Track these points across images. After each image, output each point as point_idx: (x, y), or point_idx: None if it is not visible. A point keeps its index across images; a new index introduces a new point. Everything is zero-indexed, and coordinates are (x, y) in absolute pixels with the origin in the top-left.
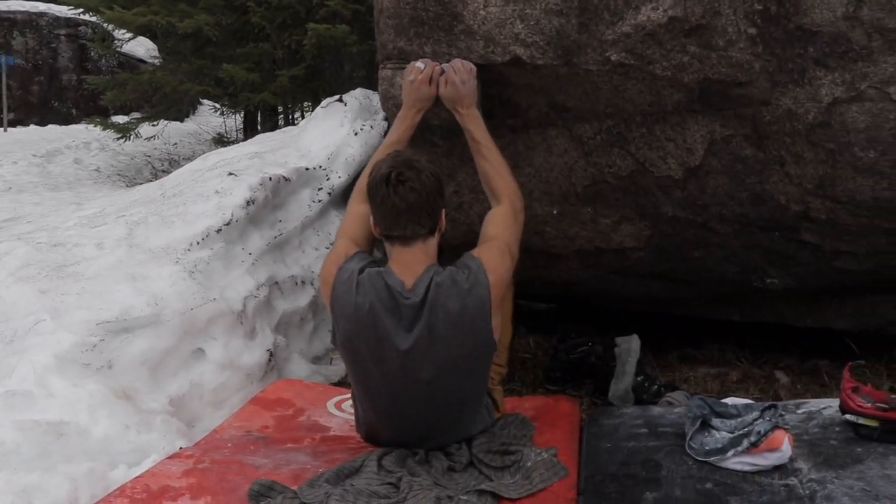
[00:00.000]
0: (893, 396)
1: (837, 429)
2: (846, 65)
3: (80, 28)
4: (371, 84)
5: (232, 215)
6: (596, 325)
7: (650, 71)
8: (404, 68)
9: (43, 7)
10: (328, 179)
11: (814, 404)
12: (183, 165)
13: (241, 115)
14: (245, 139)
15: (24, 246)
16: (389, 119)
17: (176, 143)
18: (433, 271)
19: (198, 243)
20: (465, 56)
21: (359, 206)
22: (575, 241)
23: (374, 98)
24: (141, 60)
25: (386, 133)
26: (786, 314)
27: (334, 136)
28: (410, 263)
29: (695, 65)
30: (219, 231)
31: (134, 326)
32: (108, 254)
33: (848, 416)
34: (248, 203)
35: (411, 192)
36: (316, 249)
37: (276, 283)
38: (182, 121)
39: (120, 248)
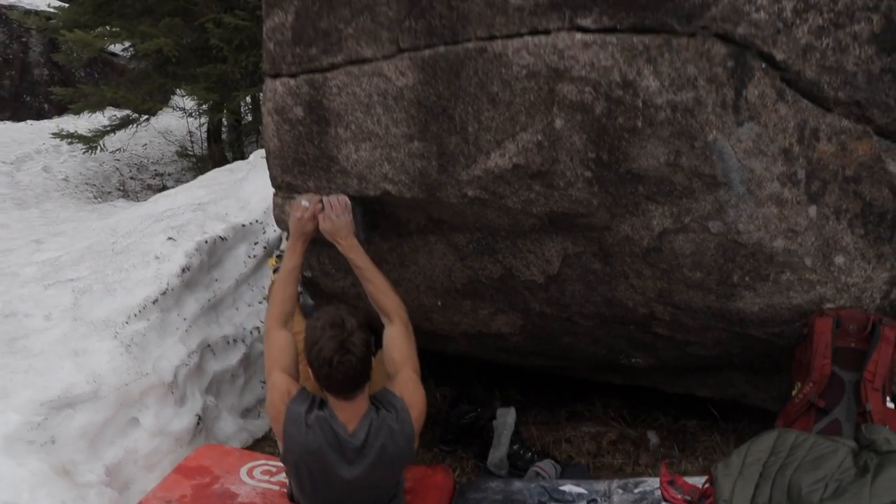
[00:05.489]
0: (698, 488)
1: None
2: (673, 201)
3: (51, 21)
4: None
5: (168, 284)
6: (488, 388)
7: (504, 203)
8: (293, 198)
9: None
10: (264, 233)
11: (650, 483)
12: (150, 170)
13: (205, 127)
14: (208, 149)
15: None
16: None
17: (146, 145)
18: (370, 417)
19: (135, 315)
20: (343, 190)
21: (278, 332)
22: (459, 327)
23: None
24: (113, 54)
25: None
26: (658, 381)
27: None
28: (351, 412)
29: (541, 200)
30: (155, 302)
31: (75, 402)
32: (55, 326)
33: None
34: (183, 270)
35: (351, 370)
36: (249, 305)
37: (209, 345)
38: (154, 114)
39: (65, 320)
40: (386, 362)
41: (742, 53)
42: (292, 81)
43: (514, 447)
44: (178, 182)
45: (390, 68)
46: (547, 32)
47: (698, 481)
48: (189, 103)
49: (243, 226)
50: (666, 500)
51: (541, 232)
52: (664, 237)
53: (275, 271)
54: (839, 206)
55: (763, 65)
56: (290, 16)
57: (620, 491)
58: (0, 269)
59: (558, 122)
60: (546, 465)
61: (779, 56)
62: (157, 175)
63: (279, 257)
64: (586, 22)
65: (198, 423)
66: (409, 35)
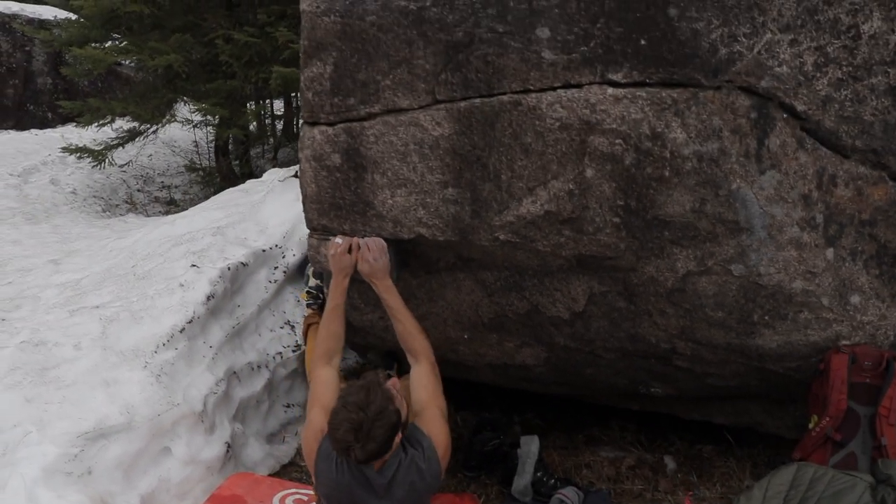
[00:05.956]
0: None
1: None
2: (697, 245)
3: (54, 31)
4: None
5: (194, 312)
6: (507, 411)
7: (534, 246)
8: (328, 239)
9: (16, 8)
10: (284, 258)
11: None
12: (157, 182)
13: (213, 141)
14: (216, 162)
15: (10, 348)
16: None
17: (151, 156)
18: (399, 457)
19: (164, 344)
20: (377, 233)
21: (322, 370)
22: (485, 358)
23: None
24: (118, 63)
25: None
26: (675, 408)
27: (291, 210)
28: None
29: (570, 244)
30: (182, 330)
31: (110, 433)
32: (85, 356)
33: None
34: (208, 298)
35: (371, 454)
36: (271, 331)
37: (235, 372)
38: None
39: (95, 349)
40: (412, 401)
41: (765, 105)
42: (330, 130)
43: (538, 474)
44: (186, 194)
45: (426, 118)
46: (579, 86)
47: None
48: (197, 117)
49: (263, 251)
50: None
51: (568, 272)
52: (688, 279)
53: (308, 305)
54: (855, 248)
55: (784, 115)
56: (329, 67)
57: None
58: (20, 290)
59: (589, 172)
60: (569, 493)
61: (800, 107)
62: (164, 187)
63: (309, 292)
64: (617, 77)
65: (227, 451)
66: (445, 87)
